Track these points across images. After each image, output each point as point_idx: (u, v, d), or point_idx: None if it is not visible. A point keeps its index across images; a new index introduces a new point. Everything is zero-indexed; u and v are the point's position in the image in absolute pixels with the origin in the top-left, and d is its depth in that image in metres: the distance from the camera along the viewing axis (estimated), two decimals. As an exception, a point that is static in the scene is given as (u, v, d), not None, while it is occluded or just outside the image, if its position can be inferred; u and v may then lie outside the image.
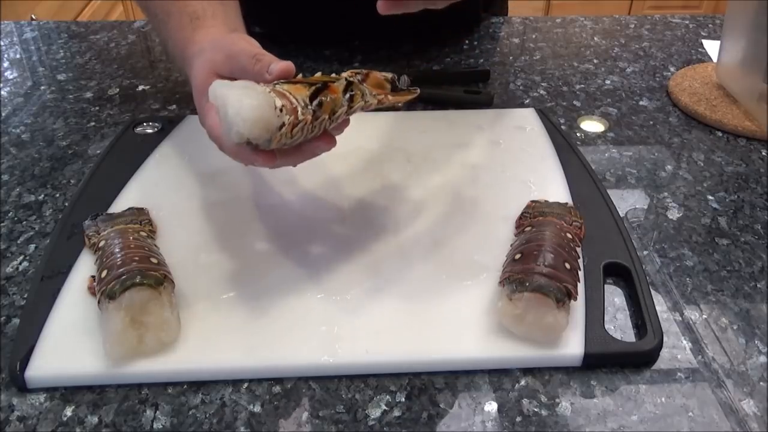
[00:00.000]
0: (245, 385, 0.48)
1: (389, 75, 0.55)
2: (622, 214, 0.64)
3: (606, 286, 0.55)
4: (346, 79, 0.51)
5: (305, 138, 0.50)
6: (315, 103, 0.48)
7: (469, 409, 0.47)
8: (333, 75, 0.52)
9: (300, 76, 0.52)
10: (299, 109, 0.47)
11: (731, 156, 0.74)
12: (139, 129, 0.77)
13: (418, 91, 0.56)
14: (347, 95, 0.50)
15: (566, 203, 0.62)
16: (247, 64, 0.53)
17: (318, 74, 0.52)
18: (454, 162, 0.70)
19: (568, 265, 0.51)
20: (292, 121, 0.47)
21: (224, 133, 0.48)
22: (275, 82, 0.50)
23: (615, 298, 0.55)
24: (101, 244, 0.55)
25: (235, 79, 0.54)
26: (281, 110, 0.46)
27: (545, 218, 0.58)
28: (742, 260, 0.59)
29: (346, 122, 0.53)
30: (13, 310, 0.54)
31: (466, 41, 1.01)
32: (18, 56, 1.00)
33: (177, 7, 0.64)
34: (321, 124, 0.50)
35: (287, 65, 0.51)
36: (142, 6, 0.72)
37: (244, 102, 0.45)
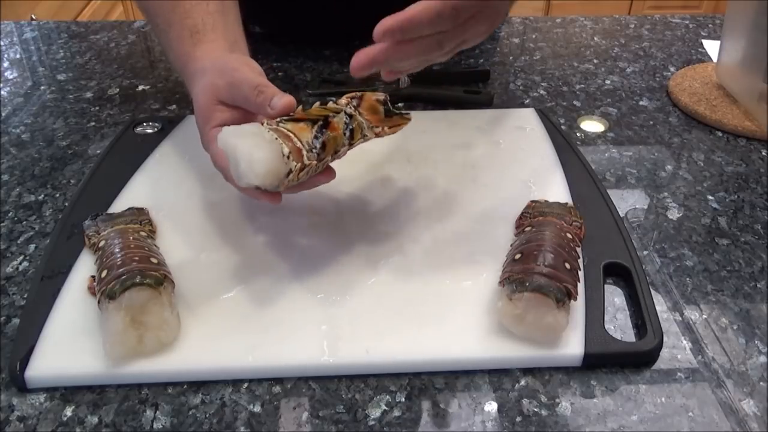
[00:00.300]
0: (245, 385, 0.48)
1: (381, 96, 0.56)
2: (622, 214, 0.64)
3: (606, 286, 0.55)
4: (345, 112, 0.53)
5: (309, 177, 0.52)
6: (319, 145, 0.50)
7: (469, 409, 0.47)
8: (330, 104, 0.53)
9: (300, 108, 0.53)
10: (304, 153, 0.49)
11: (731, 156, 0.74)
12: (139, 129, 0.77)
13: (411, 116, 0.58)
14: (347, 131, 0.52)
15: (566, 203, 0.62)
16: (249, 94, 0.54)
17: (316, 104, 0.53)
18: (454, 162, 0.70)
19: (568, 265, 0.51)
20: (299, 167, 0.48)
21: (233, 176, 0.49)
22: (278, 119, 0.51)
23: (615, 298, 0.55)
24: (101, 244, 0.55)
25: (237, 106, 0.56)
26: (288, 157, 0.48)
27: (545, 218, 0.58)
28: (742, 260, 0.59)
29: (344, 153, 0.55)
30: (13, 310, 0.54)
31: (466, 41, 1.01)
32: (18, 56, 1.00)
33: (177, 18, 0.64)
34: (324, 163, 0.52)
35: (289, 101, 0.52)
36: (142, 8, 0.72)
37: (254, 156, 0.47)
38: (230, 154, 0.49)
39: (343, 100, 0.54)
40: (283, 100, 0.52)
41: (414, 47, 0.52)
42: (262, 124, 0.50)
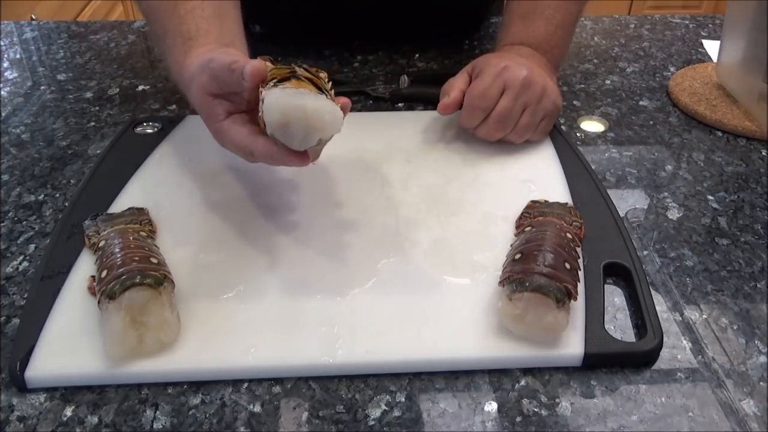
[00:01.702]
0: (245, 385, 0.48)
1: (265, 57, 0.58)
2: (622, 214, 0.64)
3: (606, 286, 0.55)
4: (294, 64, 0.54)
5: None
6: (323, 90, 0.52)
7: (469, 409, 0.47)
8: (268, 63, 0.54)
9: (270, 72, 0.53)
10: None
11: (731, 156, 0.74)
12: (139, 129, 0.77)
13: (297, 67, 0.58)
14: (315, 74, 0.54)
15: (566, 203, 0.62)
16: (226, 77, 0.54)
17: (270, 68, 0.54)
18: (454, 162, 0.70)
19: (568, 265, 0.51)
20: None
21: (295, 142, 0.50)
22: (270, 85, 0.51)
23: (615, 298, 0.55)
24: (101, 244, 0.55)
25: (230, 93, 0.56)
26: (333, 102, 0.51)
27: (545, 218, 0.58)
28: (742, 260, 0.59)
29: None
30: (13, 310, 0.54)
31: (466, 41, 1.01)
32: (18, 56, 1.00)
33: (172, 25, 0.64)
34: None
35: (257, 65, 0.52)
36: (143, 14, 0.72)
37: (324, 105, 0.49)
38: (295, 116, 0.49)
39: (266, 62, 0.55)
40: (249, 66, 0.51)
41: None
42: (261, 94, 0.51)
